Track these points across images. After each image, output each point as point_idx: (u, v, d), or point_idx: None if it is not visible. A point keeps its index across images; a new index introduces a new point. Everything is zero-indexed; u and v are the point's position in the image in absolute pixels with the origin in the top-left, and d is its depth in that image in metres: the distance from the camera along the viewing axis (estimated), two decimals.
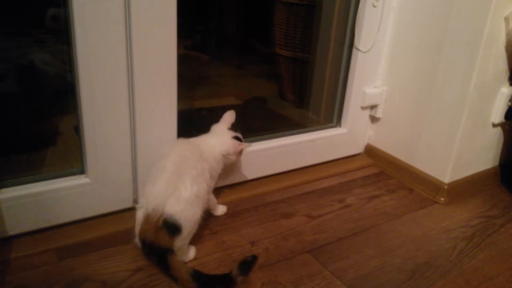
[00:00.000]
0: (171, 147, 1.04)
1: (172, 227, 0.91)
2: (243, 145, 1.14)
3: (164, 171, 0.95)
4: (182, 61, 1.12)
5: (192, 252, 1.02)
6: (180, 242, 0.94)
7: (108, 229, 1.07)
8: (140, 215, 0.94)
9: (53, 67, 1.21)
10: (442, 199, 1.38)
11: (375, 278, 1.01)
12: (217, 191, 1.29)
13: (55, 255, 0.99)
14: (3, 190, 0.99)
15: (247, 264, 0.93)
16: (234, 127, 1.18)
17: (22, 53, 1.19)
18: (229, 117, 1.20)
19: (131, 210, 1.10)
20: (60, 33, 1.00)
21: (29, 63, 1.19)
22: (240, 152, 1.14)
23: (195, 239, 1.07)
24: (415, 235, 1.20)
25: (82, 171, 1.08)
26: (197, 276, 0.91)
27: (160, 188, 0.93)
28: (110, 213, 1.12)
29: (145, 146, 1.11)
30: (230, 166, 1.20)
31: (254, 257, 0.94)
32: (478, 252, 1.14)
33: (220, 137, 1.13)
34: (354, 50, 1.47)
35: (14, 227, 1.01)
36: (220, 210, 1.21)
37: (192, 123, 1.13)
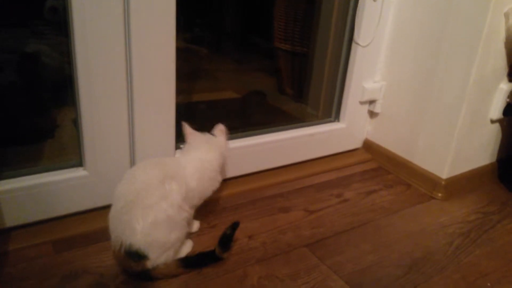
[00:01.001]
0: (129, 174, 0.95)
1: (135, 256, 0.88)
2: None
3: (117, 202, 0.90)
4: (181, 54, 1.11)
5: (188, 246, 1.02)
6: (156, 261, 0.91)
7: (105, 222, 1.07)
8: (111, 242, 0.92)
9: (51, 59, 1.20)
10: (440, 194, 1.39)
11: (372, 273, 1.02)
12: None
13: (52, 248, 0.99)
14: (1, 182, 0.99)
15: (226, 238, 0.95)
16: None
17: (20, 44, 1.18)
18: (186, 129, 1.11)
19: None
20: (59, 25, 0.99)
21: (27, 55, 1.18)
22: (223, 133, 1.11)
23: (193, 233, 1.08)
24: (412, 231, 1.20)
25: (80, 164, 1.08)
26: (186, 263, 0.94)
27: (114, 221, 0.90)
28: (108, 206, 1.11)
29: (143, 140, 1.11)
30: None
31: (234, 227, 0.96)
32: (474, 248, 1.15)
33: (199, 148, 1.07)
34: (353, 45, 1.46)
35: (12, 219, 1.00)
36: (195, 226, 1.11)
37: (191, 116, 1.13)
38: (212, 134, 1.12)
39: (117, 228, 0.88)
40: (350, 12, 1.46)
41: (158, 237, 0.90)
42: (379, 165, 1.58)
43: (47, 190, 1.03)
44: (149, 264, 0.90)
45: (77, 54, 0.96)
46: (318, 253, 1.06)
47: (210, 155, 1.06)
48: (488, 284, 1.02)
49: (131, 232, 0.87)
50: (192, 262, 0.96)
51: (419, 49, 1.40)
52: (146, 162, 0.99)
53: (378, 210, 1.29)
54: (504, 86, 1.37)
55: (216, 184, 1.08)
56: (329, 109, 1.60)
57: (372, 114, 1.61)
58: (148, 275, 0.91)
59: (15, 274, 0.91)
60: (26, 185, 1.00)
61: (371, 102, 1.58)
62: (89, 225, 1.06)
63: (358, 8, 1.41)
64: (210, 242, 1.06)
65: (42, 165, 1.09)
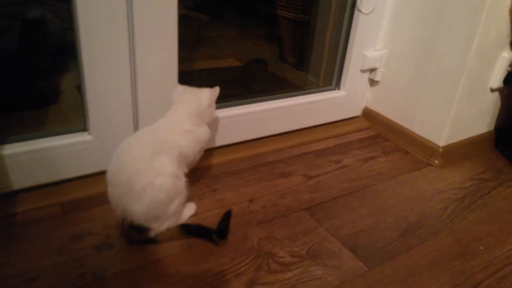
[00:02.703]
0: (116, 159, 0.92)
1: (138, 229, 0.91)
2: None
3: (113, 188, 0.90)
4: (183, 21, 1.11)
5: (191, 209, 1.05)
6: (159, 230, 0.94)
7: None
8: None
9: (54, 24, 1.20)
10: (437, 161, 1.41)
11: (368, 236, 1.05)
12: (216, 150, 1.31)
13: (60, 210, 1.02)
14: (7, 146, 1.01)
15: (221, 231, 0.96)
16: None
17: (22, 9, 1.18)
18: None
19: None
20: None
21: (30, 20, 1.18)
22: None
23: (195, 196, 1.11)
24: (408, 196, 1.23)
25: (84, 128, 1.09)
26: (187, 231, 0.97)
27: (113, 202, 0.91)
28: None
29: (146, 104, 1.12)
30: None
31: (226, 217, 0.97)
32: (469, 213, 1.18)
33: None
34: (356, 12, 1.45)
35: (18, 182, 1.03)
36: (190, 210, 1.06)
37: (192, 84, 1.13)
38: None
39: (117, 209, 0.90)
40: None
41: (158, 212, 0.92)
42: (377, 133, 1.60)
43: (53, 154, 1.05)
44: (152, 233, 0.93)
45: (79, 19, 0.95)
46: (316, 216, 1.09)
47: (186, 110, 1.02)
48: (481, 248, 1.05)
49: (131, 213, 0.89)
50: (192, 232, 0.97)
51: (422, 16, 1.39)
52: (130, 141, 0.96)
53: (375, 176, 1.31)
54: (506, 54, 1.37)
55: (204, 137, 1.06)
56: (330, 77, 1.60)
57: (372, 82, 1.61)
58: (151, 240, 0.94)
59: (23, 234, 0.94)
60: (32, 149, 1.02)
61: (372, 70, 1.58)
62: (95, 188, 1.08)
63: None
64: (211, 206, 1.09)
65: (47, 130, 1.10)
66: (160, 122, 1.01)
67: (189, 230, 0.97)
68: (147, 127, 1.00)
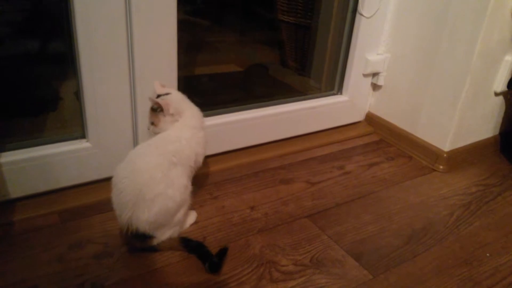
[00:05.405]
0: (130, 164, 0.92)
1: (142, 237, 0.90)
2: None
3: (121, 195, 0.88)
4: (183, 26, 1.10)
5: (192, 217, 1.04)
6: (162, 238, 0.93)
7: (109, 193, 1.08)
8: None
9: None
10: (441, 167, 1.39)
11: (372, 243, 1.03)
12: (217, 157, 1.30)
13: (58, 218, 1.01)
14: (5, 153, 1.00)
15: (214, 266, 0.91)
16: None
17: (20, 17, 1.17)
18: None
19: None
20: None
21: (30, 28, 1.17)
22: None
23: (196, 203, 1.09)
24: (413, 202, 1.21)
25: (83, 135, 1.08)
26: (187, 246, 0.94)
27: (120, 209, 0.89)
28: (111, 177, 1.12)
29: (145, 111, 1.10)
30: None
31: (222, 254, 0.93)
32: (474, 219, 1.16)
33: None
34: (357, 16, 1.44)
35: (16, 190, 1.02)
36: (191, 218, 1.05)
37: (193, 89, 1.12)
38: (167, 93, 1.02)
39: (123, 216, 0.88)
40: None
41: (165, 221, 0.91)
42: (381, 138, 1.58)
43: (51, 162, 1.04)
44: (155, 241, 0.92)
45: (77, 25, 0.95)
46: (319, 224, 1.08)
47: (194, 118, 1.02)
48: (487, 254, 1.03)
49: (137, 220, 0.88)
50: (192, 249, 0.94)
51: (424, 19, 1.38)
52: (146, 148, 0.95)
53: (379, 182, 1.30)
54: (509, 58, 1.36)
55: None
56: (332, 82, 1.59)
57: (375, 86, 1.60)
58: (152, 249, 0.93)
59: (22, 243, 0.93)
60: (30, 156, 1.01)
61: (374, 74, 1.57)
62: (94, 196, 1.07)
63: None
64: (212, 213, 1.08)
65: (45, 137, 1.10)
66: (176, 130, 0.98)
67: (189, 246, 0.94)
68: (159, 135, 0.98)
